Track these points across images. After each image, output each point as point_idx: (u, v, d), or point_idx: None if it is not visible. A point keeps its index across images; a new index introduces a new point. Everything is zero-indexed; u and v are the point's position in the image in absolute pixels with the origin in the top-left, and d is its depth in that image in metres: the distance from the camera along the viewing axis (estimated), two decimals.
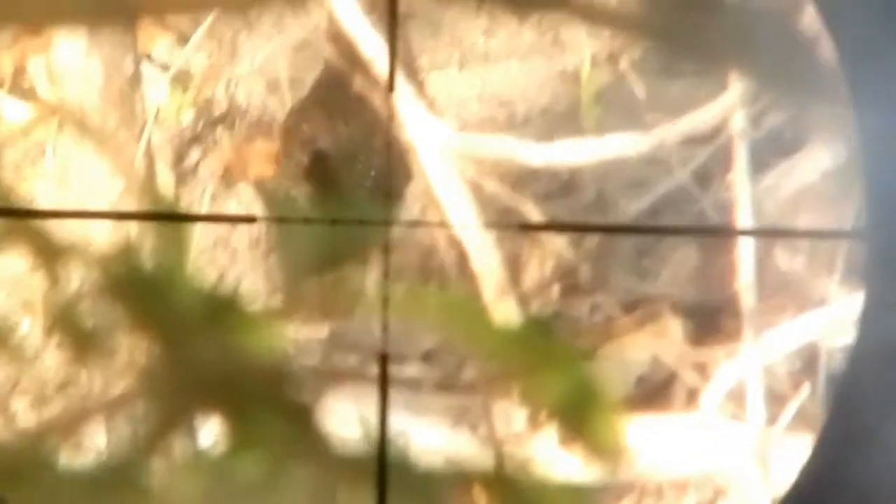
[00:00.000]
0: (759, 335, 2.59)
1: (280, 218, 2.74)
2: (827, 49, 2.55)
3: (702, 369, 2.61)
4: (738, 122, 2.64)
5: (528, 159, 2.69)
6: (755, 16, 2.63)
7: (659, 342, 2.63)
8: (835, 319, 2.60)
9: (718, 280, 2.61)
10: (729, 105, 2.65)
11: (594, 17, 2.70)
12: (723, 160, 2.64)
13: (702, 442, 2.59)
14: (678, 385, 2.62)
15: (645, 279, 2.65)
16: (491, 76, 2.76)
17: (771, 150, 2.65)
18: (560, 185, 2.68)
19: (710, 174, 2.64)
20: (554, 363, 2.63)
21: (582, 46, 2.71)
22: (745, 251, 2.61)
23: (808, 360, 2.60)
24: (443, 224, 2.69)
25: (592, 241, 2.67)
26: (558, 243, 2.68)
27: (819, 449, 2.41)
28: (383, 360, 2.60)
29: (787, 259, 2.63)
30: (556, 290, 2.67)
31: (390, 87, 2.70)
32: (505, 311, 2.67)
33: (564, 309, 2.66)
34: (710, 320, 2.61)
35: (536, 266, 2.68)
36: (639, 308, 2.65)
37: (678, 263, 2.65)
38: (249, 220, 2.75)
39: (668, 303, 2.64)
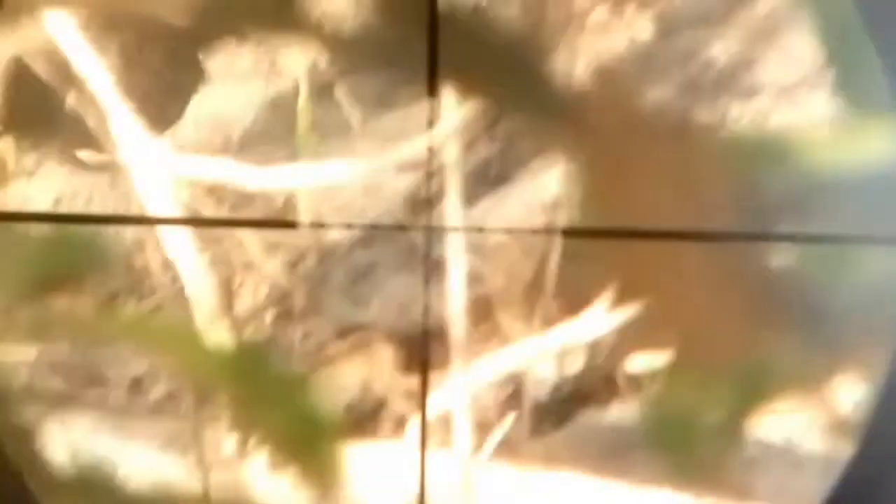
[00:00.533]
0: (468, 364, 2.63)
1: (317, 223, 2.69)
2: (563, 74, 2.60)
3: (411, 397, 2.64)
4: (452, 152, 2.66)
5: (244, 184, 2.68)
6: (477, 41, 2.66)
7: (370, 369, 2.65)
8: (540, 350, 2.65)
9: (429, 308, 2.64)
10: (443, 134, 2.67)
11: (313, 41, 2.70)
12: (436, 189, 2.66)
13: (410, 469, 2.62)
14: (387, 412, 2.65)
15: (357, 306, 2.67)
16: (208, 98, 2.74)
17: (483, 181, 2.69)
18: (276, 212, 2.68)
19: (423, 203, 2.66)
20: (266, 389, 2.63)
21: (299, 71, 2.71)
22: (456, 279, 2.65)
23: (514, 390, 2.65)
24: (158, 246, 2.67)
25: (306, 266, 2.68)
26: (272, 268, 2.68)
27: (856, 464, 2.52)
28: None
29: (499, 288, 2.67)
30: (269, 315, 2.67)
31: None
32: (218, 336, 2.66)
33: (277, 335, 2.66)
34: (421, 348, 2.64)
35: (250, 291, 2.68)
36: (351, 335, 2.66)
37: (391, 291, 2.67)
38: (290, 225, 2.70)
39: (379, 330, 2.66)
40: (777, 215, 2.62)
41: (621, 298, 2.63)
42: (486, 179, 2.68)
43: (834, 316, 2.60)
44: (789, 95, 2.63)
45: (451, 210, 2.65)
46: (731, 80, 2.64)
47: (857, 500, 2.53)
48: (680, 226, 2.59)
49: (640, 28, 2.65)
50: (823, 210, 2.61)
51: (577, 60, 2.65)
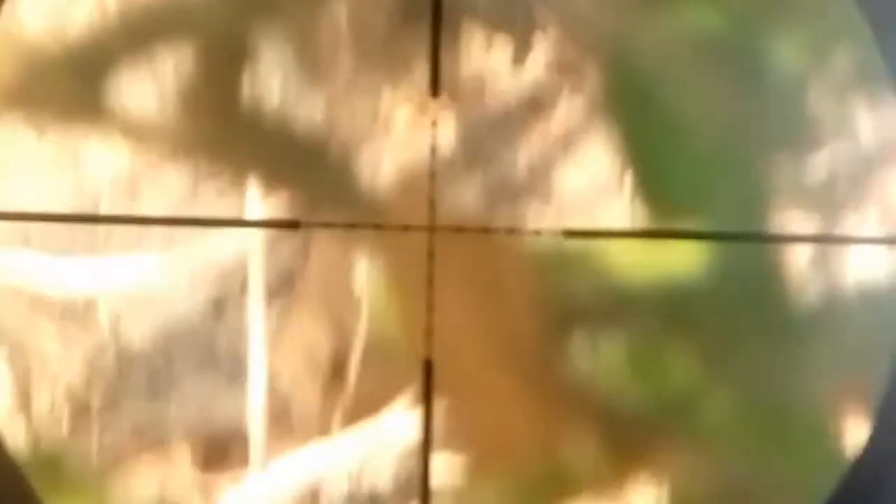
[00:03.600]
0: (266, 464, 2.63)
1: (326, 224, 2.65)
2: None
3: (208, 495, 2.63)
4: (256, 250, 2.66)
5: (42, 281, 2.65)
6: (283, 138, 2.65)
7: (167, 468, 2.64)
8: (339, 451, 2.66)
9: (228, 407, 2.63)
10: (247, 230, 2.67)
11: (117, 133, 2.67)
12: (238, 287, 2.65)
13: None
14: None
15: (156, 403, 2.65)
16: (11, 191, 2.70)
17: (285, 282, 2.69)
18: (74, 310, 2.65)
19: (226, 300, 2.65)
20: (64, 486, 2.61)
21: (102, 164, 2.68)
22: (256, 382, 2.65)
23: (312, 493, 2.66)
24: None
25: (105, 364, 2.66)
26: (69, 368, 2.65)
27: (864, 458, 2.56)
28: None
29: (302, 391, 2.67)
30: (66, 412, 2.64)
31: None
32: (14, 434, 2.63)
33: (74, 433, 2.64)
34: (219, 447, 2.63)
35: (47, 390, 2.65)
36: (148, 433, 2.65)
37: (189, 389, 2.66)
38: (293, 225, 2.66)
39: (177, 428, 2.65)
40: (581, 321, 2.65)
41: (419, 400, 2.65)
42: (288, 279, 2.68)
43: (629, 419, 2.65)
44: (589, 202, 2.66)
45: (254, 310, 2.65)
46: (531, 187, 2.67)
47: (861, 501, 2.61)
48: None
49: (443, 133, 2.66)
50: (626, 316, 2.65)
51: (382, 163, 2.65)
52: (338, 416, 2.65)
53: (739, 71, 2.66)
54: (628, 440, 2.65)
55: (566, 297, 2.65)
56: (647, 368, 2.65)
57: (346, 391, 2.65)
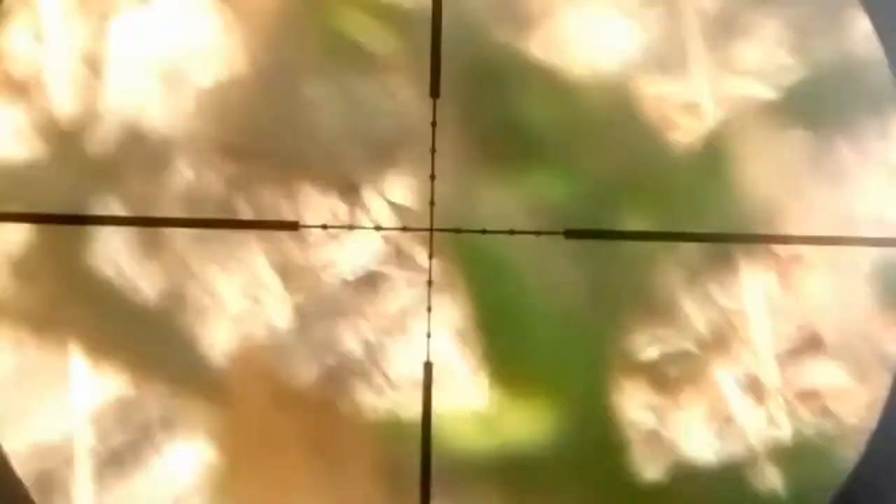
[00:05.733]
0: None
1: (323, 225, 2.65)
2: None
3: None
4: (85, 433, 2.63)
5: None
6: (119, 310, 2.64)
7: None
8: None
9: None
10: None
11: None
12: (65, 468, 2.62)
13: None
14: None
15: None
16: None
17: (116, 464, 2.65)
18: None
19: (53, 484, 2.62)
20: None
21: None
22: None
23: None
24: None
25: None
26: None
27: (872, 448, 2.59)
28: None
29: None
30: None
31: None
32: None
33: None
34: None
35: None
36: None
37: None
38: (292, 226, 2.65)
39: None
40: (422, 492, 2.65)
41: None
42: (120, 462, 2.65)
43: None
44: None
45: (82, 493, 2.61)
46: (364, 369, 2.67)
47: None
48: None
49: (280, 316, 2.67)
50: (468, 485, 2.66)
51: (219, 342, 2.65)
52: None
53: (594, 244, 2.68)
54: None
55: (404, 465, 2.65)
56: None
57: None
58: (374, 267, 2.68)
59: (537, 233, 2.67)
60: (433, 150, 2.67)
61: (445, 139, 2.68)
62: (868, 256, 2.69)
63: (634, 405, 2.67)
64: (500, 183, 2.67)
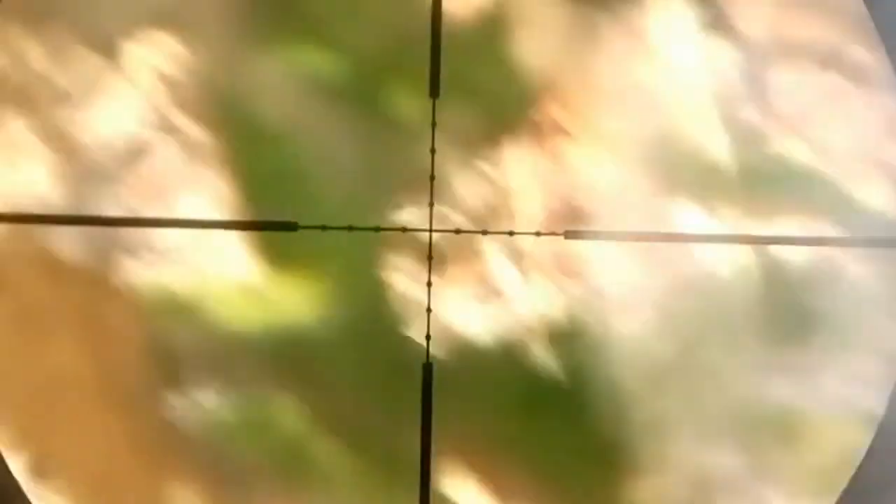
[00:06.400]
0: None
1: (322, 226, 2.62)
2: None
3: None
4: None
5: None
6: None
7: None
8: None
9: None
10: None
11: None
12: None
13: None
14: None
15: None
16: None
17: None
18: None
19: None
20: None
21: None
22: None
23: None
24: None
25: None
26: None
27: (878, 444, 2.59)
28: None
29: None
30: None
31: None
32: None
33: None
34: None
35: None
36: None
37: None
38: (289, 226, 2.62)
39: None
40: (192, 371, 2.64)
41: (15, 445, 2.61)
42: None
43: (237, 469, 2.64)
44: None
45: None
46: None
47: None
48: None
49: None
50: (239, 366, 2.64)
51: None
52: None
53: (360, 116, 2.67)
54: (236, 490, 2.63)
55: (174, 344, 2.63)
56: (255, 417, 2.64)
57: None
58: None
59: (537, 233, 2.68)
60: (433, 151, 2.68)
61: None
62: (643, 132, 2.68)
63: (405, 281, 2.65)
64: None
